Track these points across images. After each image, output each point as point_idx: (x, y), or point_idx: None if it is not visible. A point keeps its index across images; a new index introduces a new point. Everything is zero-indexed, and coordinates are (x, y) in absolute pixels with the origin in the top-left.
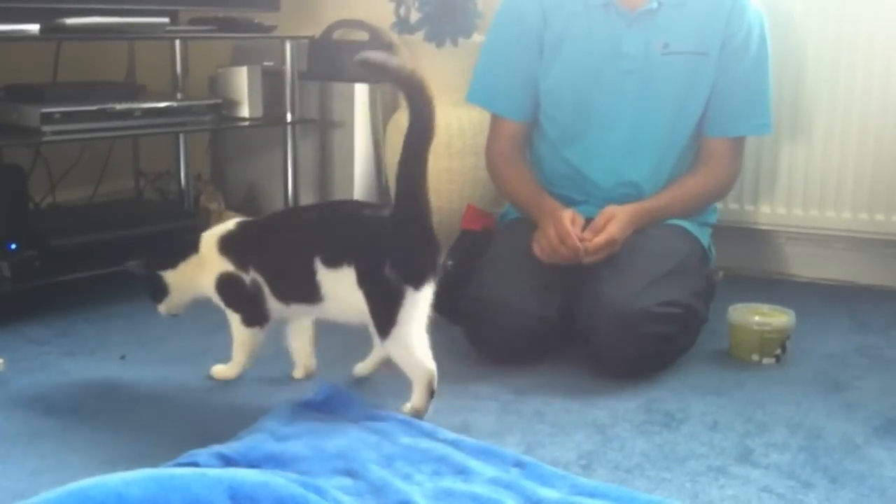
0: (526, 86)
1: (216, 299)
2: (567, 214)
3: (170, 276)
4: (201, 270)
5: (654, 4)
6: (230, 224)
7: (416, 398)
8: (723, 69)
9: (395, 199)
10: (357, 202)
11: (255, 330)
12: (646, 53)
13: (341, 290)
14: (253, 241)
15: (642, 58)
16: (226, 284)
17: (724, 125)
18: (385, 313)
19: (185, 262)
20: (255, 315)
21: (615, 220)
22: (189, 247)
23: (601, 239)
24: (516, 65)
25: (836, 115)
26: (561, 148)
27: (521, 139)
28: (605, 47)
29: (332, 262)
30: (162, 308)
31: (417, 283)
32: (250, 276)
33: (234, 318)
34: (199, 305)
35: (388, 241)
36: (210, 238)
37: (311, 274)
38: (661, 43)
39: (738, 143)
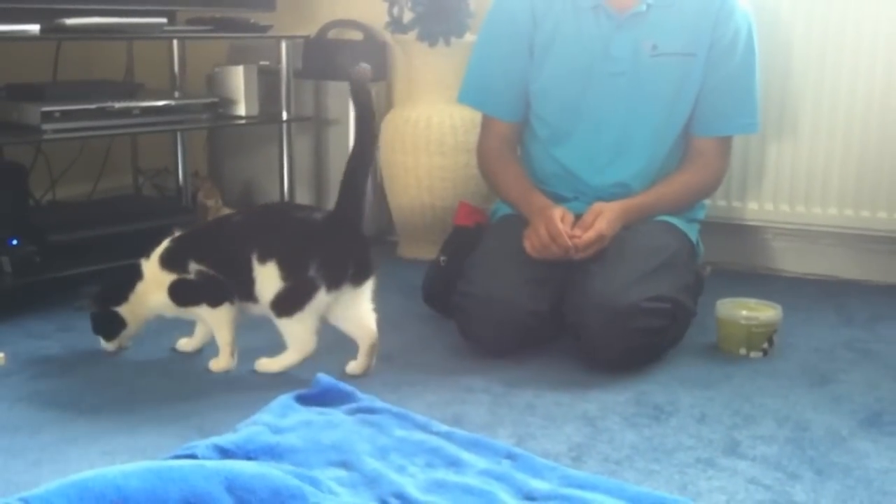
0: (516, 87)
1: (174, 311)
2: (557, 212)
3: (125, 309)
4: (152, 292)
5: (643, 7)
6: (165, 243)
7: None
8: (711, 70)
9: (335, 205)
10: (290, 204)
11: (226, 306)
12: (634, 55)
13: (269, 286)
14: (192, 247)
15: (631, 60)
16: (178, 290)
17: (712, 125)
18: (295, 303)
19: (134, 292)
20: (216, 295)
21: (603, 216)
22: (134, 276)
23: (590, 235)
24: (507, 66)
25: (822, 113)
26: (550, 147)
27: (512, 138)
28: (595, 49)
29: (264, 259)
30: (113, 344)
31: (331, 287)
32: (193, 271)
33: (202, 310)
34: None
35: (318, 243)
36: (151, 261)
37: (250, 271)
38: (649, 45)
39: (725, 142)
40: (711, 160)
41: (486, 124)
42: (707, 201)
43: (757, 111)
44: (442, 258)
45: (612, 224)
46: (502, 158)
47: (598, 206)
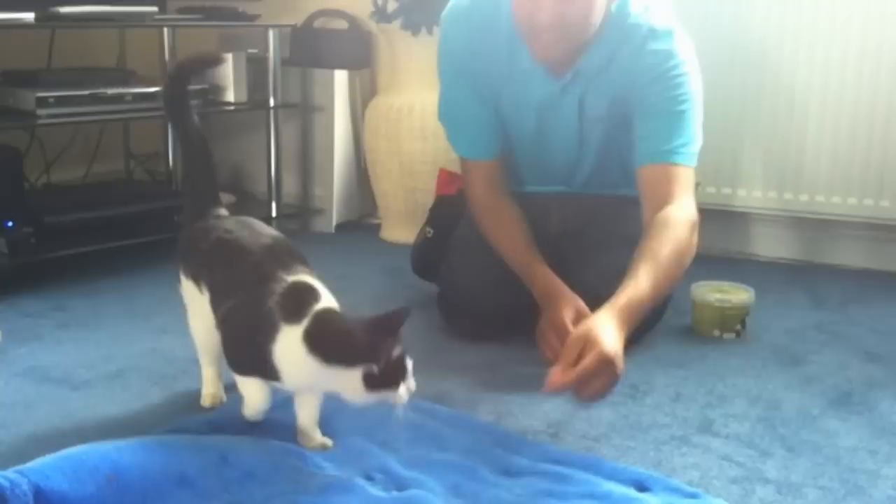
0: (490, 126)
1: None
2: (568, 314)
3: None
4: None
5: (569, 75)
6: None
7: None
8: (639, 101)
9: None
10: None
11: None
12: (580, 112)
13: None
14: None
15: (575, 116)
16: None
17: (647, 152)
18: None
19: None
20: None
21: (596, 350)
22: None
23: (599, 385)
24: (475, 113)
25: (797, 101)
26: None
27: (498, 175)
28: (538, 105)
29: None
30: None
31: None
32: None
33: None
34: None
35: None
36: None
37: None
38: (590, 100)
39: (670, 172)
40: (660, 189)
41: (467, 167)
42: None
43: (691, 139)
44: (428, 229)
45: (612, 343)
46: (492, 212)
47: (588, 331)
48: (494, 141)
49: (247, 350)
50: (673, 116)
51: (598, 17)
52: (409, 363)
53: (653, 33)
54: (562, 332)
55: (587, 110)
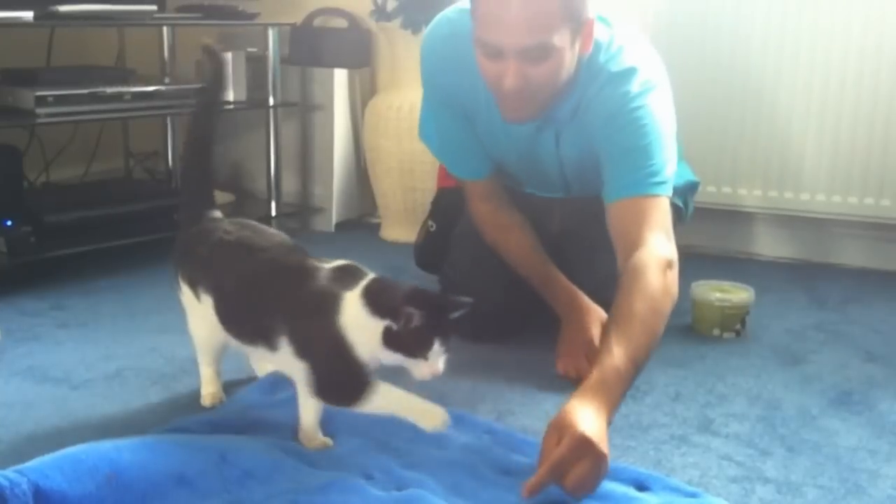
0: (477, 151)
1: None
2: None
3: None
4: None
5: (540, 121)
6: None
7: None
8: (601, 145)
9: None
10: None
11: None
12: (557, 147)
13: None
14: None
15: (553, 150)
16: None
17: (613, 188)
18: None
19: None
20: None
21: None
22: None
23: (582, 471)
24: (460, 139)
25: (797, 104)
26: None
27: (495, 190)
28: (516, 140)
29: None
30: None
31: None
32: None
33: None
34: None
35: None
36: None
37: None
38: (564, 140)
39: (640, 206)
40: (632, 233)
41: (463, 183)
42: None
43: (659, 170)
44: (430, 223)
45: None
46: (496, 223)
47: (562, 417)
48: (483, 162)
49: (330, 344)
50: (637, 151)
51: (566, 74)
52: (441, 349)
53: (611, 78)
54: (591, 349)
55: (563, 148)
